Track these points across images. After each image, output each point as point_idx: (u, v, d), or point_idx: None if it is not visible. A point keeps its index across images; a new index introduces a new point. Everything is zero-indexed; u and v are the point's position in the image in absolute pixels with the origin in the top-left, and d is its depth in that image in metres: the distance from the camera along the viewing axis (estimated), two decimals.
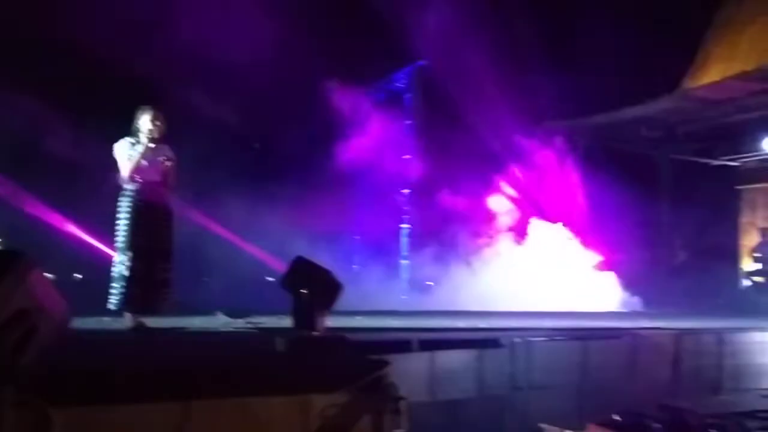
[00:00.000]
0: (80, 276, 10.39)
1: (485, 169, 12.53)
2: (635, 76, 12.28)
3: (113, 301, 5.57)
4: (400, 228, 13.82)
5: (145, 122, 5.66)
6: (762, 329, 8.25)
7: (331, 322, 4.28)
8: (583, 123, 13.04)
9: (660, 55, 13.38)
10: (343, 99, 13.07)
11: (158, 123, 5.66)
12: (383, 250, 13.69)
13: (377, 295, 11.40)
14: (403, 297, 12.57)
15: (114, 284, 5.57)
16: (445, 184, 12.69)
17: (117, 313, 5.66)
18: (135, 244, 5.53)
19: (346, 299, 5.31)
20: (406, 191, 13.88)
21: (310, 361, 4.05)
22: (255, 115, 11.18)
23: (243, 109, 11.26)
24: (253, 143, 12.85)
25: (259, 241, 11.02)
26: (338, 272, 4.96)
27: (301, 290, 4.00)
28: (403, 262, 13.50)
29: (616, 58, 12.72)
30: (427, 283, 12.78)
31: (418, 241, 13.22)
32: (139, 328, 5.54)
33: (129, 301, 5.54)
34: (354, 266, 14.77)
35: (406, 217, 13.76)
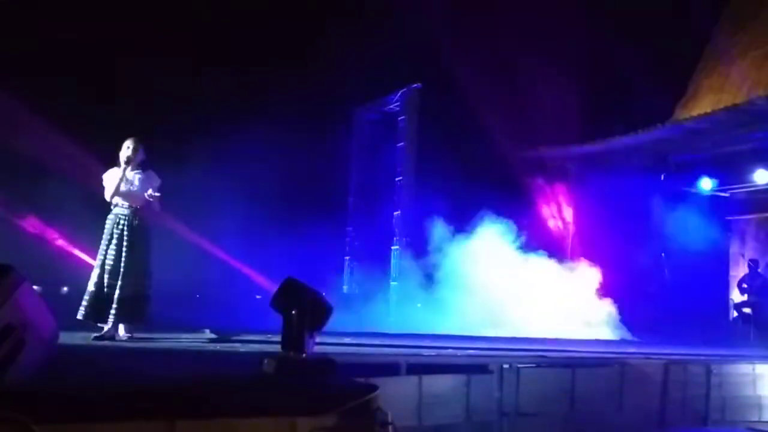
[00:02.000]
0: (66, 289, 10.32)
1: (476, 192, 12.53)
2: (627, 105, 12.40)
3: (81, 312, 6.03)
4: (391, 249, 13.81)
5: (124, 150, 6.25)
6: (750, 360, 8.25)
7: (318, 344, 4.25)
8: (575, 150, 13.13)
9: (651, 85, 13.54)
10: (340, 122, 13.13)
11: (135, 151, 6.21)
12: (375, 270, 13.68)
13: (367, 317, 11.36)
14: (391, 319, 12.52)
15: (84, 297, 6.07)
16: (437, 207, 12.68)
17: (99, 328, 6.07)
18: (106, 262, 6.06)
19: (336, 321, 5.32)
20: (397, 213, 13.91)
21: (297, 383, 4.01)
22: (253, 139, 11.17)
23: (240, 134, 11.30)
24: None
25: (252, 260, 11.01)
26: (329, 293, 4.97)
27: (289, 311, 3.97)
28: (393, 283, 13.47)
29: (608, 86, 12.88)
30: (417, 305, 12.74)
31: (409, 262, 13.18)
32: (107, 339, 5.98)
33: (94, 314, 6.01)
34: (344, 287, 14.77)
35: (396, 238, 13.75)
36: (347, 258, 15.11)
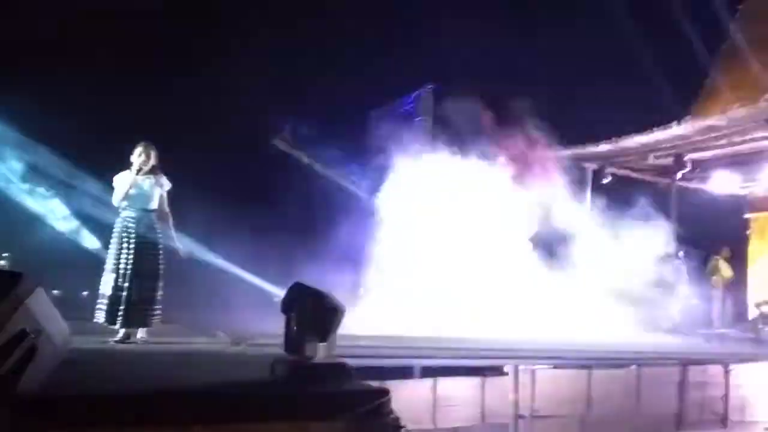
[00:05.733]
0: (86, 292, 10.38)
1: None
2: (644, 104, 12.31)
3: (96, 316, 6.15)
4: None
5: (134, 156, 6.33)
6: None
7: (329, 347, 4.25)
8: (592, 150, 13.03)
9: (669, 83, 13.44)
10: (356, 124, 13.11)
11: (144, 156, 6.31)
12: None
13: (383, 319, 11.32)
14: (408, 321, 12.48)
15: (98, 301, 6.18)
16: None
17: (115, 331, 6.14)
18: (116, 266, 6.15)
19: (352, 323, 5.32)
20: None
21: (309, 387, 4.02)
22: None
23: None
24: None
25: (267, 265, 10.98)
26: (345, 296, 4.98)
27: (292, 315, 3.99)
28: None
29: (626, 85, 12.79)
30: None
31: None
32: (125, 341, 6.09)
33: (110, 317, 6.08)
34: (360, 290, 14.72)
35: None
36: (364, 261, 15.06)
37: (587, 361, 7.20)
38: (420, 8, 12.34)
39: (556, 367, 7.01)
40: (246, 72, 10.51)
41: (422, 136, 13.55)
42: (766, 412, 7.80)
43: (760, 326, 12.48)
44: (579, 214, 12.27)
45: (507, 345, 7.85)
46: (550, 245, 11.76)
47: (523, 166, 11.73)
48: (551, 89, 12.84)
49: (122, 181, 6.31)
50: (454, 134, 11.80)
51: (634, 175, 14.26)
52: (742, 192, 14.01)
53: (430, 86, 14.03)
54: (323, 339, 4.08)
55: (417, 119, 14.13)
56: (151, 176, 6.38)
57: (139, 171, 6.32)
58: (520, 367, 6.74)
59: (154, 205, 6.36)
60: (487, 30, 12.42)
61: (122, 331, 6.12)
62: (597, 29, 13.19)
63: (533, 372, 6.77)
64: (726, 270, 13.59)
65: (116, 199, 6.30)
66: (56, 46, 9.84)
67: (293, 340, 4.08)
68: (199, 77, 10.25)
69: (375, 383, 4.82)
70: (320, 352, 4.12)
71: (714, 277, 13.59)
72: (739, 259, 14.05)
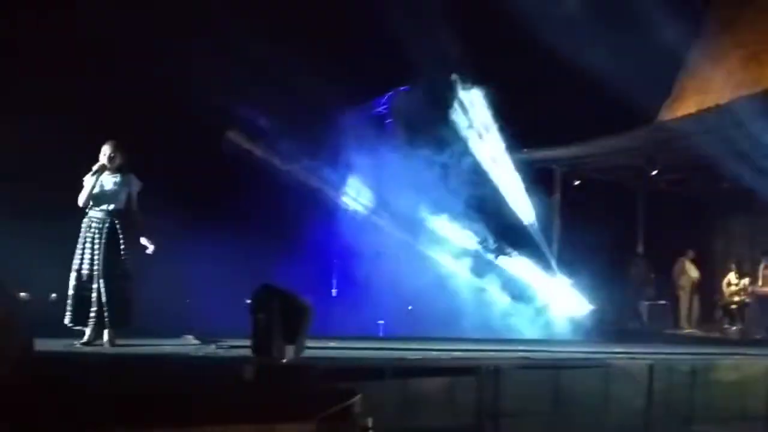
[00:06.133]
0: (55, 295, 10.22)
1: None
2: (613, 107, 12.44)
3: (65, 318, 6.06)
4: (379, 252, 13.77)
5: (101, 156, 6.26)
6: (734, 359, 8.31)
7: (298, 348, 4.24)
8: (561, 152, 13.18)
9: (637, 87, 13.61)
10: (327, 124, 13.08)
11: (111, 155, 6.24)
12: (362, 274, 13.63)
13: (354, 320, 11.33)
14: (380, 322, 12.51)
15: (67, 302, 6.08)
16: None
17: (83, 333, 6.07)
18: (80, 266, 6.08)
19: (323, 324, 5.31)
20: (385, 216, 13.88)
21: (277, 388, 4.02)
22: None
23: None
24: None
25: (240, 264, 10.90)
26: (317, 297, 4.99)
27: (261, 316, 3.98)
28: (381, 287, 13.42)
29: (595, 88, 12.92)
30: (408, 308, 12.73)
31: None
32: (92, 343, 6.00)
33: (75, 319, 6.04)
34: (333, 290, 14.72)
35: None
36: (336, 261, 15.06)
37: (555, 361, 7.27)
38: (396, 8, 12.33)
39: (525, 366, 7.07)
40: (210, 71, 10.40)
41: (393, 136, 13.61)
42: (733, 412, 7.93)
43: (726, 326, 12.74)
44: (537, 213, 12.38)
45: (476, 345, 7.91)
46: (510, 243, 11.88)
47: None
48: (520, 89, 12.93)
49: (88, 181, 6.23)
50: (422, 134, 11.88)
51: (603, 177, 14.45)
52: (708, 194, 14.26)
53: (403, 88, 14.07)
54: (292, 340, 4.07)
55: (389, 121, 14.17)
56: (119, 175, 6.29)
57: (103, 170, 6.22)
58: (489, 368, 6.78)
59: (121, 204, 6.26)
60: (456, 29, 12.46)
61: (88, 334, 6.03)
62: (566, 28, 13.32)
63: (502, 372, 6.82)
64: (692, 271, 13.84)
65: (81, 199, 6.21)
66: (7, 45, 9.68)
67: (261, 342, 4.07)
68: (152, 73, 10.09)
69: (344, 384, 4.84)
70: (289, 354, 4.12)
71: (681, 278, 13.84)
72: (706, 261, 14.31)
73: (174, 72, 10.07)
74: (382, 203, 11.85)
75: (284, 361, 4.08)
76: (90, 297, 6.01)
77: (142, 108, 10.13)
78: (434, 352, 7.14)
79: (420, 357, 6.78)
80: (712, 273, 14.15)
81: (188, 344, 6.48)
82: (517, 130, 12.27)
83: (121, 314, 6.10)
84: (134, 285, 6.25)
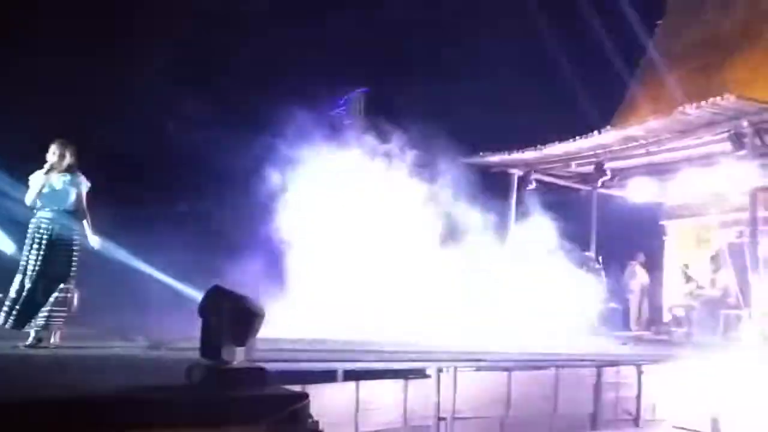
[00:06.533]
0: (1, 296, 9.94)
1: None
2: (567, 113, 12.68)
3: (6, 320, 5.91)
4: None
5: (49, 154, 6.16)
6: (678, 361, 8.52)
7: (248, 351, 4.21)
8: (517, 156, 13.36)
9: (592, 94, 13.91)
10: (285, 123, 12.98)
11: (60, 154, 6.14)
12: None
13: (305, 322, 11.26)
14: (337, 323, 12.47)
15: (6, 304, 5.96)
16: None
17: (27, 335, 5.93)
18: (27, 267, 5.96)
19: (276, 326, 5.26)
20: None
21: (227, 392, 3.98)
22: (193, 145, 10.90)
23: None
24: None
25: (191, 264, 10.74)
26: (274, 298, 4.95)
27: (210, 318, 3.95)
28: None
29: (550, 94, 13.17)
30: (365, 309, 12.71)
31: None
32: (36, 346, 5.87)
33: (17, 320, 5.88)
34: (288, 291, 14.61)
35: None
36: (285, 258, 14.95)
37: (507, 363, 7.36)
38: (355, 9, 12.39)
39: (477, 369, 7.15)
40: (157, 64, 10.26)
41: (351, 137, 13.62)
42: (675, 411, 8.14)
43: (673, 329, 13.05)
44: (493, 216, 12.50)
45: (429, 347, 7.95)
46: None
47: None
48: (477, 94, 13.10)
49: (36, 181, 6.11)
50: (381, 135, 11.90)
51: (557, 181, 14.69)
52: (658, 200, 14.60)
53: (361, 89, 14.13)
54: (242, 343, 4.04)
55: (347, 121, 14.21)
56: (67, 175, 6.18)
57: (52, 170, 6.12)
58: (442, 370, 6.84)
59: (69, 204, 6.16)
60: (414, 32, 12.58)
61: (33, 335, 5.91)
62: (523, 37, 13.54)
63: (455, 374, 6.88)
64: (642, 275, 14.16)
65: (28, 198, 6.10)
66: None
67: (211, 345, 4.03)
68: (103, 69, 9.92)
69: (297, 387, 4.82)
70: (239, 357, 4.08)
71: (631, 282, 14.14)
72: (655, 265, 14.66)
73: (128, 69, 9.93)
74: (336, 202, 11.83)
75: (234, 364, 4.05)
76: (35, 298, 5.89)
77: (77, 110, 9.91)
78: (387, 354, 7.15)
79: (373, 359, 6.78)
80: (660, 277, 14.50)
81: (137, 346, 6.39)
82: (476, 135, 12.39)
83: (67, 316, 6.01)
84: (82, 286, 6.17)
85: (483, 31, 12.93)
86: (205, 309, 4.05)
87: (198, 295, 4.54)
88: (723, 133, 10.74)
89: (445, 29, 13.61)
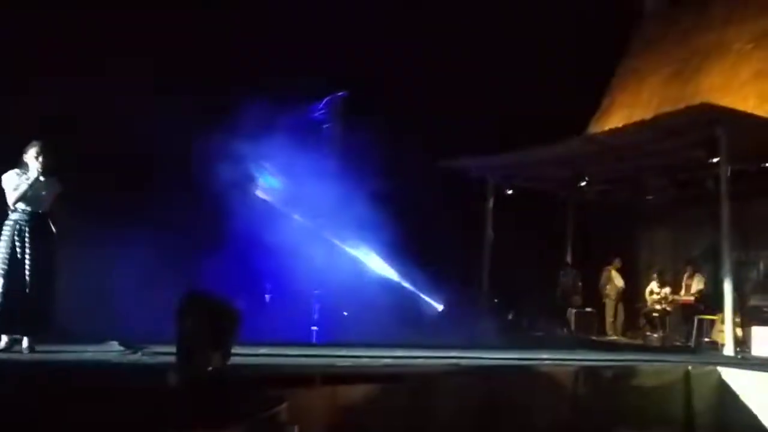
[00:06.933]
0: None
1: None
2: (544, 118, 12.74)
3: None
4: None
5: (32, 156, 6.06)
6: (656, 366, 8.60)
7: (225, 355, 4.18)
8: (494, 161, 13.41)
9: (569, 100, 14.02)
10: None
11: (44, 156, 6.06)
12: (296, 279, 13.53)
13: (288, 326, 11.23)
14: (313, 328, 12.45)
15: None
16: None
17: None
18: (7, 270, 5.86)
19: (255, 330, 5.22)
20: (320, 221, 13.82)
21: (203, 396, 3.94)
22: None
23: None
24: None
25: (167, 268, 10.64)
26: (249, 302, 4.91)
27: (187, 322, 3.91)
28: (315, 291, 13.36)
29: (527, 99, 13.25)
30: (344, 313, 12.71)
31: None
32: (9, 350, 5.82)
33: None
34: (266, 296, 14.55)
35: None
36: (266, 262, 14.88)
37: (484, 367, 7.39)
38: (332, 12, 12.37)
39: (454, 372, 7.15)
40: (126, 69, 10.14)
41: (329, 141, 13.62)
42: (655, 417, 8.20)
43: (647, 334, 13.20)
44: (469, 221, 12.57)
45: (407, 351, 7.95)
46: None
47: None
48: (443, 98, 13.15)
49: (15, 182, 6.03)
50: (362, 141, 11.90)
51: (534, 187, 14.77)
52: (633, 205, 14.74)
53: (340, 93, 14.08)
54: (218, 347, 4.01)
55: (325, 125, 14.14)
56: (47, 177, 6.13)
57: (36, 172, 6.04)
58: (420, 375, 6.83)
59: (46, 207, 6.13)
60: (394, 37, 12.60)
61: (5, 339, 5.83)
62: (499, 39, 13.61)
63: (433, 379, 6.87)
64: (618, 280, 14.28)
65: (13, 199, 6.01)
66: None
67: (187, 349, 3.99)
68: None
69: (271, 391, 4.78)
70: (215, 361, 4.05)
71: (607, 287, 14.27)
72: (630, 270, 14.78)
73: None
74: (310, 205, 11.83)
75: (210, 368, 4.01)
76: (13, 303, 5.80)
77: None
78: (365, 359, 7.13)
79: (350, 364, 6.76)
80: (636, 282, 14.64)
81: (112, 350, 6.31)
82: (452, 139, 12.43)
83: (41, 319, 5.93)
84: (57, 289, 6.08)
85: (462, 34, 13.00)
86: (180, 313, 4.01)
87: (172, 299, 4.52)
88: (697, 139, 10.88)
89: (425, 33, 13.61)
